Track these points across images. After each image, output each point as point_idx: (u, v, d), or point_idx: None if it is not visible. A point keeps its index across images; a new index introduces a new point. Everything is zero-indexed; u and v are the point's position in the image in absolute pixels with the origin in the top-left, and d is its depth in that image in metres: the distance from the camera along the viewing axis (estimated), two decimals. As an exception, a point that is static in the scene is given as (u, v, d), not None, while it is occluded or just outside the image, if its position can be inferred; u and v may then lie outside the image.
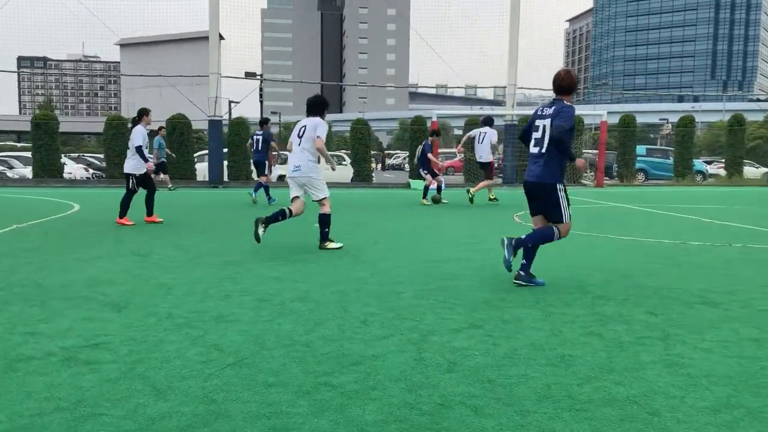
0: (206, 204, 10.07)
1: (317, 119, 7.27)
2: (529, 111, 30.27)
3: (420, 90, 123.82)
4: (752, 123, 47.98)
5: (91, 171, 28.35)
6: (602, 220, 10.94)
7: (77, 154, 35.36)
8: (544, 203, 5.28)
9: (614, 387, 2.98)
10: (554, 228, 5.26)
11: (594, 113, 28.95)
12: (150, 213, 10.01)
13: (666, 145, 48.28)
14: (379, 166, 51.29)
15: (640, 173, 27.36)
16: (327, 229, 7.41)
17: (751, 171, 31.28)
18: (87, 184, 22.93)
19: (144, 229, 9.12)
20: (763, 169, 31.30)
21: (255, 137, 14.22)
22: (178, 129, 22.78)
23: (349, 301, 4.71)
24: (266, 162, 14.31)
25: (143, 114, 9.93)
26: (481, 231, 9.30)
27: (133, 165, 9.86)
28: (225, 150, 22.94)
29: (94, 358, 3.37)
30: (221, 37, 24.32)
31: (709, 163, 36.18)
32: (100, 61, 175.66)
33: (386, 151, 63.79)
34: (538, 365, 3.29)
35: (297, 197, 7.39)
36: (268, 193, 14.16)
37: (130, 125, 10.68)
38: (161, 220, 10.06)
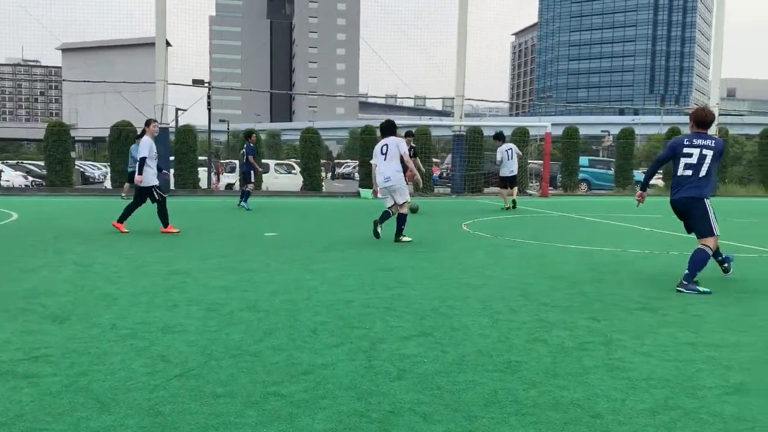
0: (151, 213, 9.88)
1: (397, 138, 8.83)
2: (477, 122, 30.83)
3: (370, 100, 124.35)
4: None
5: (30, 178, 27.38)
6: (548, 229, 11.20)
7: (15, 161, 34.10)
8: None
9: (559, 391, 3.07)
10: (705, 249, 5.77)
11: (539, 125, 29.65)
12: (121, 220, 9.78)
13: (607, 156, 49.78)
14: (329, 175, 51.23)
15: (582, 183, 28.13)
16: (403, 226, 8.96)
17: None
18: (26, 192, 22.12)
19: (88, 238, 8.86)
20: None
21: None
22: (123, 136, 22.24)
23: (299, 310, 4.69)
24: (251, 171, 15.56)
25: (148, 124, 9.86)
26: (432, 239, 9.39)
27: (149, 176, 9.70)
28: (171, 158, 22.51)
29: (33, 371, 3.26)
30: (168, 44, 23.90)
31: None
32: (41, 66, 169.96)
33: (336, 160, 63.76)
34: (485, 371, 3.35)
35: (392, 203, 8.98)
36: (245, 200, 15.24)
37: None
38: (127, 231, 9.73)
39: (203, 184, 24.88)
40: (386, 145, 8.85)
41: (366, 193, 22.18)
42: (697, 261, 5.73)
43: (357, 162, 28.08)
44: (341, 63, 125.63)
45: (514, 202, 15.65)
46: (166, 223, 9.77)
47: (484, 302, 5.03)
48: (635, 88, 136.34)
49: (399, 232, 8.95)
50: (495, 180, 25.92)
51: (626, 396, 3.01)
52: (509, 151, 15.65)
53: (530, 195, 24.28)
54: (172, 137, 23.86)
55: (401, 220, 8.95)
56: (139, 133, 10.18)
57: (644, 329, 4.28)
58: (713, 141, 5.94)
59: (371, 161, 9.49)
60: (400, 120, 19.29)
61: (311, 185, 23.99)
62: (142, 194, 9.78)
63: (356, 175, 29.73)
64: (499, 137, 15.99)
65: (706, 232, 5.86)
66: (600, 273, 6.55)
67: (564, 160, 26.82)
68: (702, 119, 6.06)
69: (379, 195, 9.19)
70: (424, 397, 2.96)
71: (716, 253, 6.11)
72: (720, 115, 27.62)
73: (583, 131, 33.17)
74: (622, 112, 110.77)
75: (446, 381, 3.19)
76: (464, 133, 24.21)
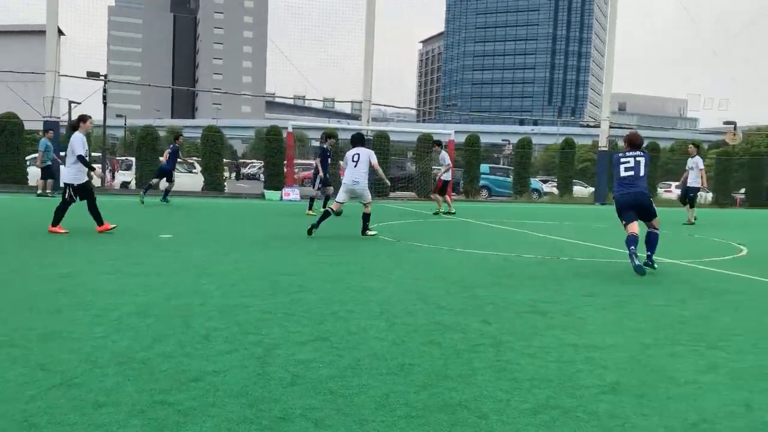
0: (38, 210, 9.30)
1: (368, 150, 10.52)
2: (384, 126, 31.15)
3: (277, 100, 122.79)
4: (582, 146, 52.77)
5: None
6: (449, 234, 11.49)
7: None
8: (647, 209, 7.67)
9: (448, 393, 3.15)
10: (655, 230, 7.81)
11: (444, 132, 30.35)
12: (100, 222, 9.42)
13: (507, 164, 51.71)
14: (233, 175, 50.18)
15: (483, 190, 29.07)
16: (368, 223, 10.49)
17: (580, 190, 34.40)
18: None
19: (-39, 239, 8.21)
20: (591, 189, 34.49)
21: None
22: (8, 129, 20.81)
23: (193, 315, 4.56)
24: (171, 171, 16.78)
25: (81, 120, 9.45)
26: (336, 243, 9.40)
27: (72, 174, 9.30)
28: (63, 153, 21.27)
29: None
30: (60, 32, 22.58)
31: (544, 182, 39.25)
32: None
33: (241, 160, 62.48)
34: (379, 375, 3.39)
35: (342, 202, 10.58)
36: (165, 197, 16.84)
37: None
38: (114, 225, 9.54)
39: (96, 181, 23.70)
40: (358, 154, 10.39)
41: (271, 194, 21.89)
42: (655, 240, 7.74)
43: (262, 162, 27.63)
44: (248, 61, 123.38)
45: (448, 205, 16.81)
46: (55, 223, 9.27)
47: (382, 306, 5.10)
48: (535, 100, 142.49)
49: (365, 228, 10.51)
50: (402, 184, 26.37)
51: (511, 396, 3.14)
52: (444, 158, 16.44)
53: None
54: (63, 132, 22.57)
55: (366, 218, 10.51)
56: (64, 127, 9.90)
57: (532, 331, 4.48)
58: (643, 153, 7.77)
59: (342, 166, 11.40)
60: (308, 121, 19.18)
61: (213, 185, 23.38)
62: (76, 193, 9.39)
63: (261, 175, 29.23)
64: (438, 144, 16.84)
65: (654, 215, 7.78)
66: (495, 277, 6.79)
67: (466, 167, 27.60)
68: (633, 141, 7.86)
69: (341, 196, 10.53)
70: (316, 402, 2.96)
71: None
72: (610, 127, 29.37)
73: (484, 139, 34.32)
74: (522, 122, 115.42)
75: (339, 385, 3.20)
76: (371, 138, 24.40)
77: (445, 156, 16.34)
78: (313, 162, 39.54)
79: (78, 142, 9.21)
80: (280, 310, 4.82)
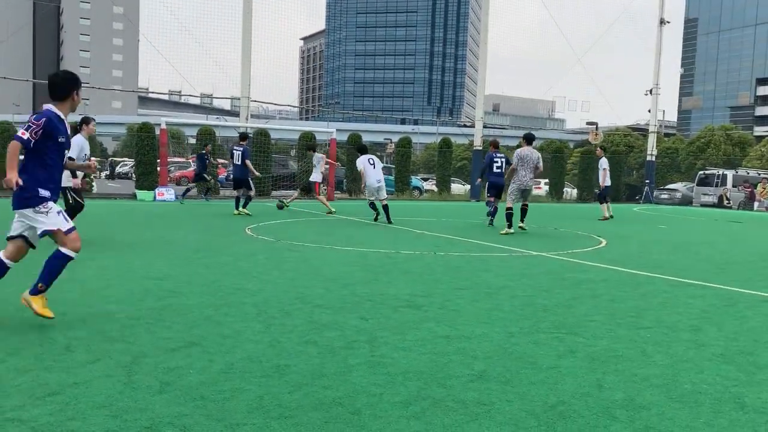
0: None
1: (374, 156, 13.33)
2: (264, 124, 30.65)
3: (151, 95, 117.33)
4: (460, 146, 54.76)
5: None
6: (330, 232, 11.50)
7: None
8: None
9: (323, 391, 3.17)
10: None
11: (326, 130, 30.36)
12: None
13: (389, 162, 52.63)
14: (104, 174, 47.44)
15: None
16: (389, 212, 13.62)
17: (458, 188, 35.63)
18: None
19: None
20: (468, 186, 35.85)
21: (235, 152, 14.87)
22: None
23: (53, 325, 4.27)
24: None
25: (84, 122, 8.85)
26: (212, 244, 9.14)
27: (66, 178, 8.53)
28: None
29: None
30: None
31: (425, 180, 40.32)
32: None
33: (112, 158, 59.09)
34: (253, 377, 3.34)
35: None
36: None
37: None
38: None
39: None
40: (372, 158, 13.73)
41: (144, 194, 20.89)
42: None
43: (134, 161, 26.28)
44: (118, 54, 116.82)
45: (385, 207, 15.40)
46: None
47: (259, 307, 5.02)
48: (415, 100, 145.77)
49: (388, 218, 13.53)
50: (285, 183, 26.06)
51: (384, 390, 3.21)
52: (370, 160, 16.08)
53: (319, 199, 24.73)
54: None
55: (387, 207, 13.62)
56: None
57: (407, 325, 4.60)
58: (503, 155, 10.96)
59: (359, 169, 13.97)
60: (184, 118, 18.47)
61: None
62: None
63: (133, 175, 27.81)
64: (312, 148, 17.57)
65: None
66: (373, 273, 6.89)
67: (349, 165, 27.76)
68: (497, 144, 12.25)
69: (368, 195, 13.96)
70: (185, 409, 2.87)
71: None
72: (485, 127, 30.66)
73: (367, 138, 34.67)
74: (403, 122, 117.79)
75: (211, 391, 3.12)
76: (251, 135, 23.93)
77: (320, 158, 16.70)
78: (190, 159, 38.05)
79: (76, 145, 8.39)
80: (150, 316, 4.62)
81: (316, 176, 16.77)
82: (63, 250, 4.31)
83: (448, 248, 9.51)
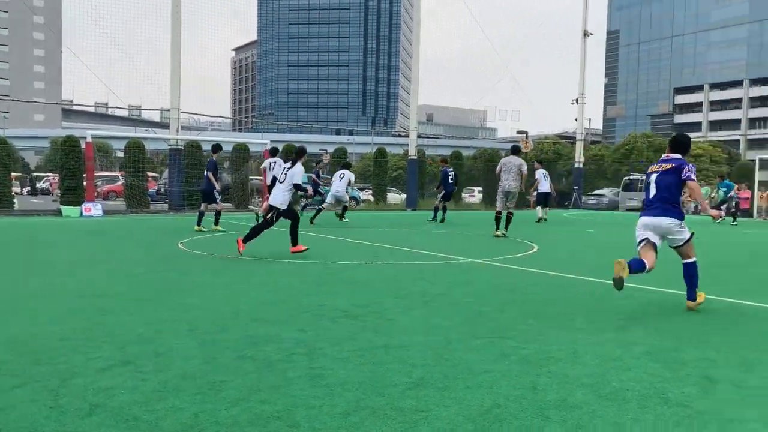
0: None
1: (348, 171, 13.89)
2: (195, 136, 30.05)
3: (76, 107, 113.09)
4: (395, 155, 55.24)
5: None
6: (266, 245, 11.37)
7: None
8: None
9: (260, 406, 3.13)
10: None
11: (260, 141, 30.04)
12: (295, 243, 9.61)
13: (325, 173, 52.52)
14: (26, 190, 45.44)
15: (302, 199, 29.17)
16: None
17: (394, 197, 35.88)
18: None
19: None
20: (404, 195, 36.13)
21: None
22: None
23: (-28, 349, 4.05)
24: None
25: (303, 152, 10.00)
26: (146, 260, 8.89)
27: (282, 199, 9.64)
28: None
29: None
30: None
31: (362, 189, 40.39)
32: None
33: (35, 174, 56.58)
34: (187, 395, 3.27)
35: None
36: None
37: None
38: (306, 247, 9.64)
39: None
40: (343, 173, 16.55)
41: (69, 210, 20.08)
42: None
43: (57, 176, 25.27)
44: (40, 65, 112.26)
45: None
46: (247, 240, 9.56)
47: (193, 323, 4.91)
48: (350, 110, 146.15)
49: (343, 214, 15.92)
50: (226, 195, 25.60)
51: (323, 402, 3.20)
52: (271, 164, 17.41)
53: (252, 211, 24.42)
54: None
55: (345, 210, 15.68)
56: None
57: (346, 336, 4.60)
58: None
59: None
60: (111, 130, 17.89)
61: (0, 203, 20.94)
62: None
63: (56, 190, 26.70)
64: (274, 151, 17.79)
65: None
66: (311, 285, 6.86)
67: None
68: (447, 160, 13.75)
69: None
70: (117, 430, 2.78)
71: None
72: (419, 137, 31.02)
73: (301, 148, 34.46)
74: (338, 132, 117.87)
75: (144, 410, 3.03)
76: (182, 147, 23.43)
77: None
78: (117, 174, 36.87)
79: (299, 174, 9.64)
80: (80, 336, 4.45)
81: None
82: None
83: (386, 257, 9.57)
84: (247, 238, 9.52)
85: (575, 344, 4.51)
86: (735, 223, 22.94)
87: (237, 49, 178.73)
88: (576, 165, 35.92)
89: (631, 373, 3.83)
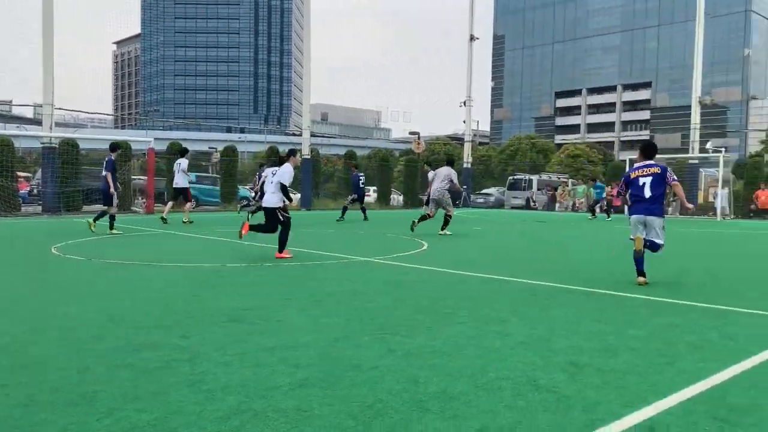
0: None
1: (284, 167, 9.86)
2: (71, 134, 28.32)
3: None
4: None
5: None
6: (150, 248, 10.93)
7: None
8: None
9: (136, 415, 3.01)
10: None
11: (144, 140, 28.83)
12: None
13: (216, 172, 51.21)
14: None
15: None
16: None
17: (296, 198, 35.53)
18: None
19: None
20: (299, 195, 35.88)
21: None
22: None
23: None
24: None
25: (294, 154, 10.21)
26: (16, 267, 8.28)
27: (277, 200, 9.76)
28: None
29: None
30: None
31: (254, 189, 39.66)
32: None
33: None
34: (57, 408, 3.09)
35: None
36: None
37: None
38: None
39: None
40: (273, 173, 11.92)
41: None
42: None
43: None
44: None
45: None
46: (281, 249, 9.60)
47: (65, 332, 4.65)
48: (241, 108, 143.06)
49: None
50: (98, 197, 24.24)
51: (203, 408, 3.13)
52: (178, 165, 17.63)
53: (135, 212, 23.37)
54: None
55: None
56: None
57: (230, 340, 4.51)
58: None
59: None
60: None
61: None
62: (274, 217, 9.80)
63: None
64: (183, 153, 18.47)
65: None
66: (197, 289, 6.66)
67: (170, 175, 26.56)
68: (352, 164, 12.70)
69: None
70: (-27, 451, 2.59)
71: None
72: (313, 136, 30.92)
73: (190, 147, 33.34)
74: (229, 130, 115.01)
75: (8, 427, 2.84)
76: (56, 146, 22.00)
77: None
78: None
79: (286, 173, 9.72)
80: (-67, 351, 4.09)
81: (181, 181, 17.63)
82: None
83: (277, 259, 9.46)
84: (281, 246, 9.70)
85: (458, 337, 4.67)
86: (609, 219, 24.63)
87: (119, 43, 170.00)
88: (465, 165, 37.12)
89: (507, 363, 4.02)
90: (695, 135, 30.06)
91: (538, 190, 36.92)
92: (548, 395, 3.41)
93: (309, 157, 28.64)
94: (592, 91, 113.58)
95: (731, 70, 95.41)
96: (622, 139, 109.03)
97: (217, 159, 40.37)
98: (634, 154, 8.94)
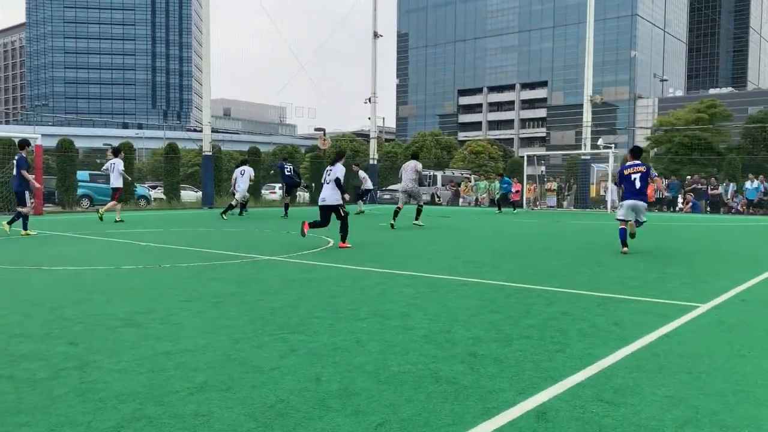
0: None
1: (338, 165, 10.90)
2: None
3: None
4: (190, 151, 52.95)
5: None
6: (36, 251, 10.27)
7: None
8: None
9: (19, 429, 2.83)
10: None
11: (30, 136, 27.02)
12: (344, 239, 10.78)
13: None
14: None
15: (84, 199, 26.83)
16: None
17: (189, 195, 34.47)
18: None
19: None
20: (200, 193, 34.84)
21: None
22: None
23: None
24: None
25: (342, 155, 11.36)
26: None
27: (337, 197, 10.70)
28: None
29: None
30: None
31: (153, 188, 38.20)
32: None
33: None
34: (-75, 428, 2.85)
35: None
36: None
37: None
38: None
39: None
40: (243, 170, 17.10)
41: None
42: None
43: None
44: None
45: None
46: (344, 239, 10.84)
47: (-62, 344, 4.29)
48: (138, 102, 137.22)
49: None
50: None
51: (94, 417, 2.98)
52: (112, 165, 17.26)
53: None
54: None
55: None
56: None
57: (124, 345, 4.32)
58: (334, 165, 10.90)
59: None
60: None
61: None
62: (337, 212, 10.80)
63: None
64: (116, 152, 18.02)
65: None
66: (87, 293, 6.33)
67: (60, 174, 25.10)
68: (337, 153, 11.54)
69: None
70: None
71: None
72: (215, 132, 30.07)
73: (83, 143, 31.66)
74: (125, 126, 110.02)
75: None
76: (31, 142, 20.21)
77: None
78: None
79: (339, 170, 10.76)
80: None
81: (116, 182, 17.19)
82: None
83: (176, 259, 9.16)
84: (344, 237, 10.93)
85: (360, 333, 4.70)
86: (515, 212, 25.65)
87: (1, 32, 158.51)
88: (371, 161, 37.36)
89: (409, 356, 4.09)
90: (587, 132, 31.68)
91: (443, 185, 37.75)
92: (448, 387, 3.50)
93: (210, 153, 27.88)
94: (493, 89, 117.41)
95: (620, 71, 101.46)
96: (521, 136, 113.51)
97: (121, 156, 38.68)
98: (533, 151, 9.74)
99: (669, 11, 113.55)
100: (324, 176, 10.99)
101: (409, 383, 3.55)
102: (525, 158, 32.13)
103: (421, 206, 16.48)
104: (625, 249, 10.17)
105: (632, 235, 10.33)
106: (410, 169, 16.21)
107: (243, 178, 19.55)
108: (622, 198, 10.46)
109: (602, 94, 47.04)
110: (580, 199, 31.12)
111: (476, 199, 35.12)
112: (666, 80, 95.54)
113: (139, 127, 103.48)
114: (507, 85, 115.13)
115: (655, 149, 45.58)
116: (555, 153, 67.95)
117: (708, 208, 28.02)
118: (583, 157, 32.10)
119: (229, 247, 10.87)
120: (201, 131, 30.40)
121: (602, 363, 3.99)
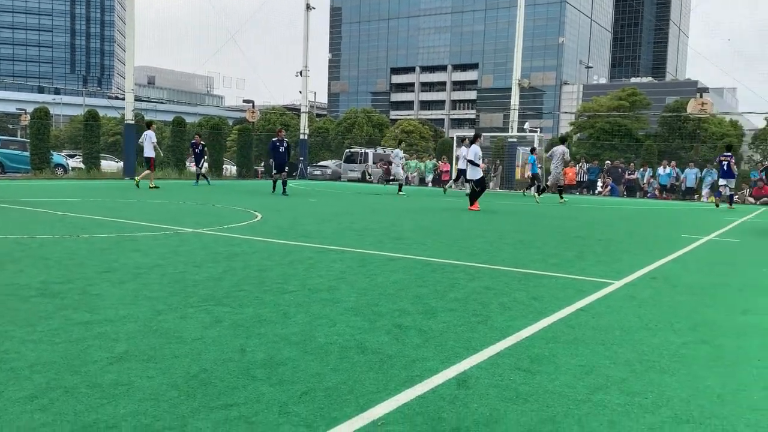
0: None
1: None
2: None
3: None
4: (111, 119, 50.75)
5: None
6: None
7: None
8: None
9: None
10: None
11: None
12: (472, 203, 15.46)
13: (24, 136, 46.25)
14: None
15: (-5, 165, 25.40)
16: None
17: (110, 165, 33.18)
18: None
19: None
20: (121, 163, 33.56)
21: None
22: None
23: None
24: None
25: (478, 136, 16.31)
26: None
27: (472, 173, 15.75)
28: None
29: None
30: None
31: (71, 156, 36.54)
32: None
33: None
34: None
35: None
36: None
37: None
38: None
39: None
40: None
41: None
42: None
43: None
44: None
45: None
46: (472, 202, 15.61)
47: None
48: (55, 66, 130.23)
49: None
50: None
51: (5, 388, 2.87)
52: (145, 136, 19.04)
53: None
54: None
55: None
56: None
57: (39, 316, 4.15)
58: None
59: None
60: None
61: None
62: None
63: None
64: (149, 124, 19.53)
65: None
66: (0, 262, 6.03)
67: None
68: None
69: None
70: None
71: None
72: (138, 100, 28.93)
73: (-7, 107, 29.80)
74: (41, 90, 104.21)
75: None
76: None
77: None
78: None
79: (474, 151, 15.77)
80: None
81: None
82: None
83: (95, 230, 8.82)
84: (473, 200, 15.58)
85: (287, 306, 4.69)
86: (445, 192, 26.06)
87: None
88: (301, 137, 36.96)
89: (336, 328, 4.12)
90: (514, 115, 32.42)
91: (374, 163, 37.83)
92: (373, 356, 3.55)
93: (133, 122, 26.85)
94: (425, 69, 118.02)
95: (547, 56, 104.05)
96: (451, 117, 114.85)
97: (27, 122, 36.41)
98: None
99: (596, 0, 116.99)
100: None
101: (334, 353, 3.58)
102: (455, 139, 32.58)
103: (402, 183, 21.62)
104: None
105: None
106: (395, 153, 20.55)
107: (146, 143, 19.80)
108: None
109: (530, 79, 48.16)
110: (506, 180, 31.90)
111: (406, 178, 35.42)
112: (591, 67, 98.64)
113: (57, 92, 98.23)
114: (439, 66, 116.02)
115: (578, 134, 47.14)
116: (484, 135, 69.17)
117: (625, 192, 29.34)
118: (510, 139, 32.86)
119: (153, 218, 10.56)
120: (123, 99, 29.16)
121: (521, 334, 4.15)
